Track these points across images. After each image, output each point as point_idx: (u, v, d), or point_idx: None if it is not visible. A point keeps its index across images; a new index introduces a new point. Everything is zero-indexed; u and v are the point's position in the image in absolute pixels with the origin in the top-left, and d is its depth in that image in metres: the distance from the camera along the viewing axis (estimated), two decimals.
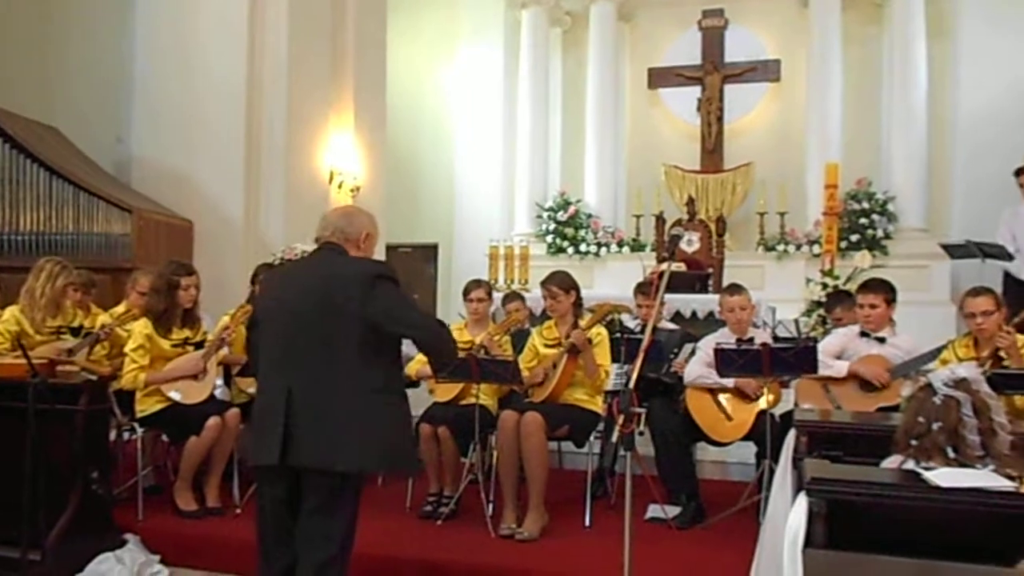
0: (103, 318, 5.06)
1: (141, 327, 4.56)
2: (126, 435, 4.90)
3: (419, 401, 5.25)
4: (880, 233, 9.79)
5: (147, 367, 4.52)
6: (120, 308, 5.26)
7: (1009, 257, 6.14)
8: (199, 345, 4.72)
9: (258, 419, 2.96)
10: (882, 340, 4.57)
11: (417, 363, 4.94)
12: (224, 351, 4.81)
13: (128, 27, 7.64)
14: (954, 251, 6.86)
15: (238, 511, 4.54)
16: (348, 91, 8.54)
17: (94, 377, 4.40)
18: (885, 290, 4.63)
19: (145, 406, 4.55)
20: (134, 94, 7.58)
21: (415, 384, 5.20)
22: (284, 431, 2.77)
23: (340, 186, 8.46)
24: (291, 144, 7.61)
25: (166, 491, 4.75)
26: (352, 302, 2.81)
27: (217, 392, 4.92)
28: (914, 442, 2.37)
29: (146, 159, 7.49)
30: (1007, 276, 6.20)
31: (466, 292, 5.13)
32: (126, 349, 4.57)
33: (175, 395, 4.55)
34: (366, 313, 2.80)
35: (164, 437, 5.04)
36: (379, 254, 8.83)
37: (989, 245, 6.28)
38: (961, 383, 2.36)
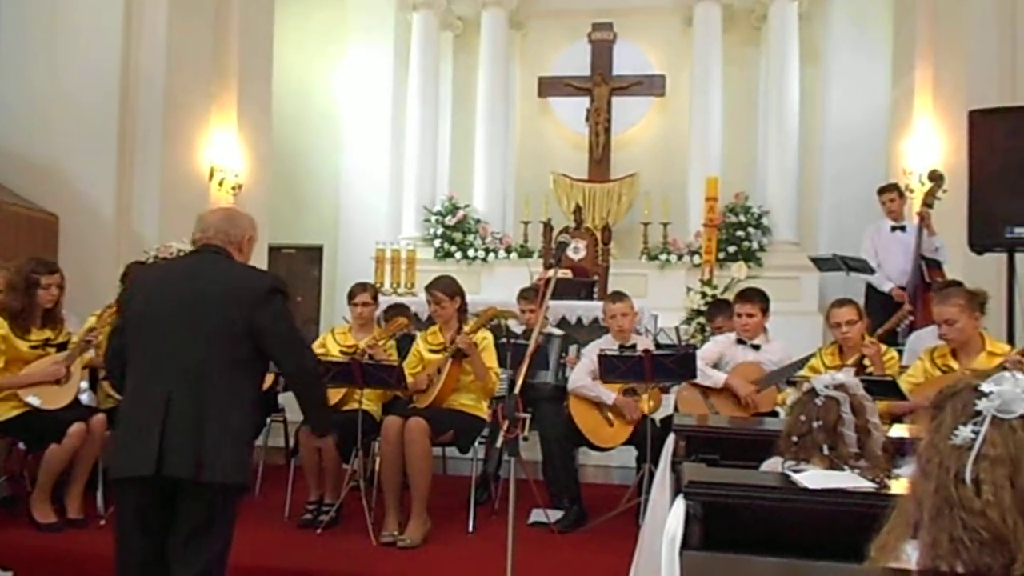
0: None
1: None
2: None
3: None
4: (755, 245, 10.22)
5: (2, 370, 4.22)
6: None
7: (871, 271, 6.49)
8: (62, 347, 4.45)
9: (128, 427, 2.76)
10: (757, 347, 4.77)
11: None
12: (90, 354, 4.54)
13: None
14: (822, 264, 7.21)
15: (102, 523, 4.29)
16: (231, 85, 8.25)
17: None
18: (760, 300, 4.83)
19: None
20: None
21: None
22: (161, 440, 2.62)
23: (221, 183, 8.15)
24: (168, 138, 7.28)
25: (22, 503, 4.44)
26: (244, 315, 2.73)
27: (83, 397, 4.65)
28: (795, 439, 2.48)
29: (5, 147, 7.00)
30: (869, 288, 6.56)
31: (351, 296, 5.03)
32: None
33: (34, 400, 4.26)
34: (255, 327, 2.73)
35: (21, 445, 4.71)
36: (260, 255, 8.60)
37: (853, 259, 6.62)
38: (840, 386, 2.50)
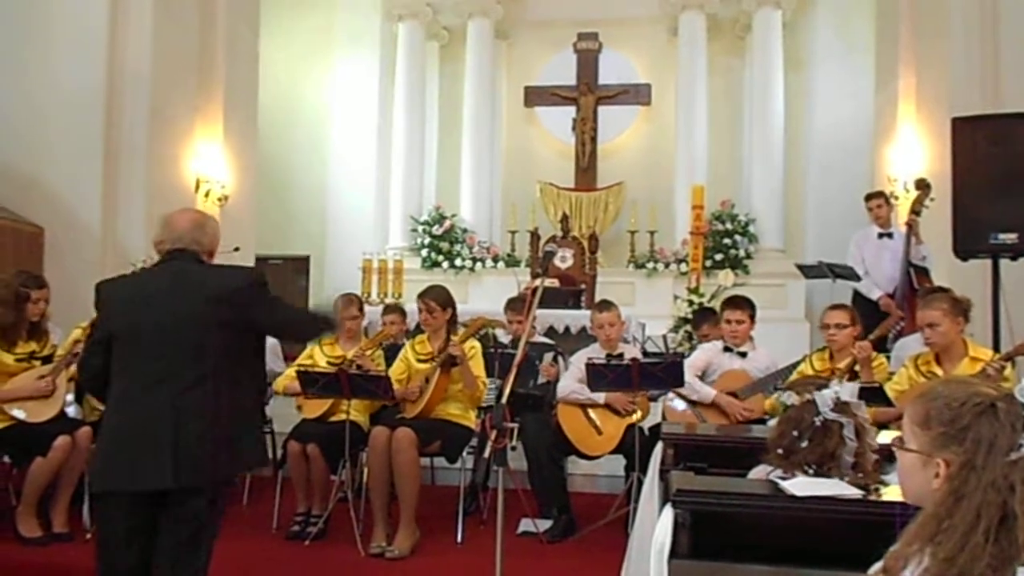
0: None
1: None
2: None
3: (288, 417, 5.10)
4: (742, 253, 10.24)
5: None
6: None
7: (857, 278, 6.52)
8: (47, 359, 4.43)
9: (128, 439, 2.68)
10: (744, 355, 4.78)
11: (285, 379, 4.80)
12: (76, 366, 4.51)
13: None
14: (808, 271, 7.24)
15: (88, 536, 4.25)
16: (217, 96, 8.23)
17: None
18: (748, 307, 4.86)
19: None
20: None
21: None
22: (175, 451, 2.61)
23: (207, 195, 8.12)
24: (154, 149, 7.25)
25: (7, 516, 4.39)
26: (237, 314, 2.78)
27: (69, 410, 4.61)
28: (780, 451, 2.46)
29: None
30: (856, 295, 6.57)
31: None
32: None
33: (19, 413, 4.24)
34: (251, 322, 2.82)
35: (5, 458, 4.67)
36: (247, 266, 8.55)
37: (840, 266, 6.64)
38: (843, 407, 2.43)
